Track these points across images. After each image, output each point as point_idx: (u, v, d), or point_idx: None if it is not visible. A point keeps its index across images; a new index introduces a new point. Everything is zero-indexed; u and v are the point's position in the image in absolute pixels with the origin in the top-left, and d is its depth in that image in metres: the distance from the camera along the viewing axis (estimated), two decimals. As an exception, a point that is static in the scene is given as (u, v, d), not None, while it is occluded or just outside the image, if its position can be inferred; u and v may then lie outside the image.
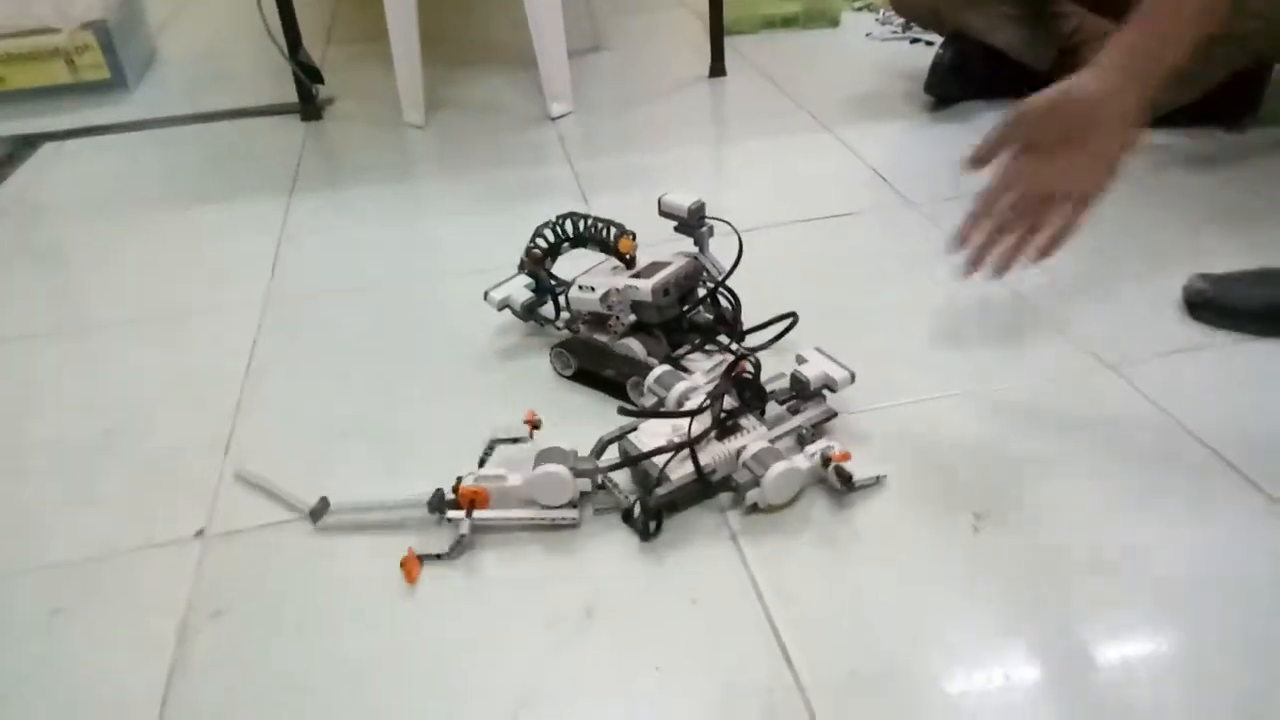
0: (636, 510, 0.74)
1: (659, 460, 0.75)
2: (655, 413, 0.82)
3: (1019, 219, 0.78)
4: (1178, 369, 0.90)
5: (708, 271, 0.95)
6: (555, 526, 0.76)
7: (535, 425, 0.82)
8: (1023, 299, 1.03)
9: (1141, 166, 1.33)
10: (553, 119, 1.66)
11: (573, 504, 0.76)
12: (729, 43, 1.84)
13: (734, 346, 0.95)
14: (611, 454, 0.80)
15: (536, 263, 0.99)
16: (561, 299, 1.00)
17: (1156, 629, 0.65)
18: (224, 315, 1.12)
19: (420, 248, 1.27)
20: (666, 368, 0.86)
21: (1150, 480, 0.78)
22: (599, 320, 0.93)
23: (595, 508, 0.77)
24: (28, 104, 1.88)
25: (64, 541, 0.79)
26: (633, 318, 0.91)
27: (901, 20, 1.98)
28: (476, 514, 0.74)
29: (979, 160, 0.78)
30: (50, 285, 1.26)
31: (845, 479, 0.75)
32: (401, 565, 0.72)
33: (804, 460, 0.76)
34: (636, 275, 0.91)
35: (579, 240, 0.99)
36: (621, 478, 0.79)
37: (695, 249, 0.96)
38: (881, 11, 2.07)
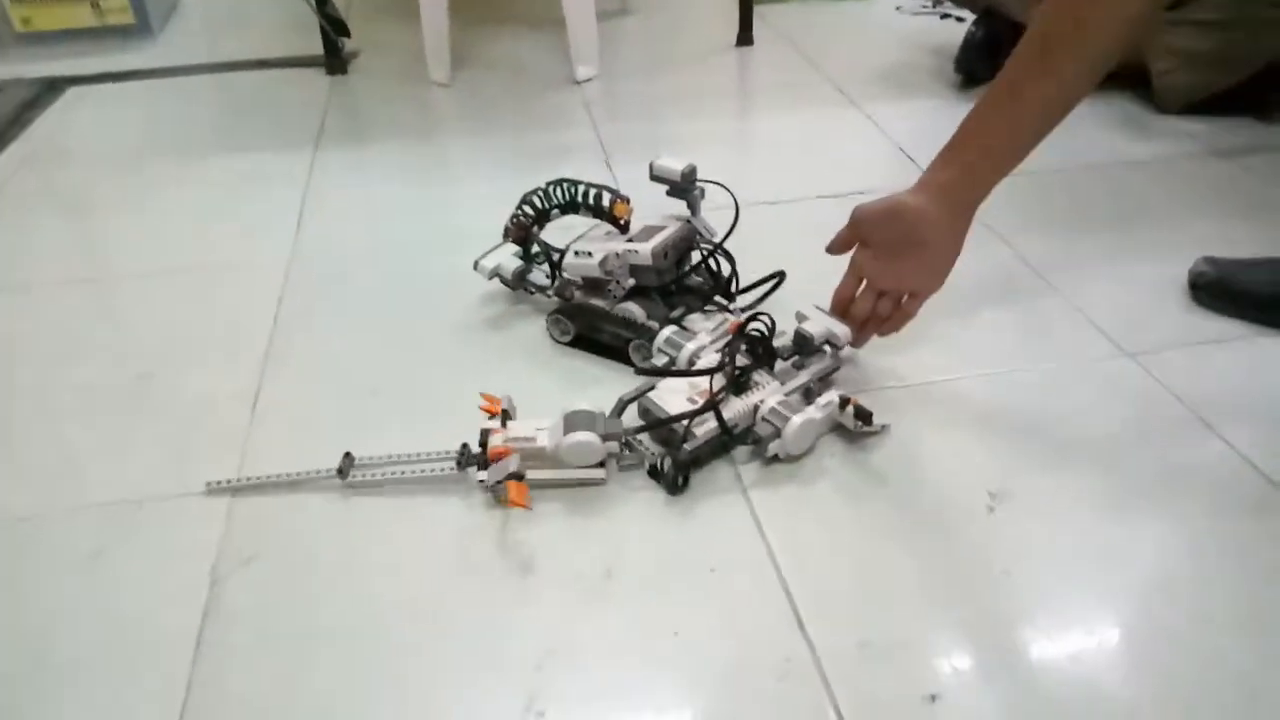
0: (666, 466, 0.77)
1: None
2: (675, 372, 0.84)
3: (868, 304, 0.87)
4: (1196, 359, 0.91)
5: (700, 235, 0.96)
6: (582, 484, 0.78)
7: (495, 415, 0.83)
8: (1042, 279, 1.04)
9: (1166, 153, 1.33)
10: (578, 82, 1.66)
11: (600, 464, 0.78)
12: (757, 11, 1.82)
13: (731, 306, 0.96)
14: (631, 413, 0.82)
15: (523, 230, 1.00)
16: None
17: (1165, 615, 0.67)
18: (251, 269, 1.13)
19: (443, 209, 1.27)
20: (674, 328, 0.88)
21: (1165, 469, 0.79)
22: (595, 285, 0.93)
23: (621, 464, 0.80)
24: (53, 46, 1.88)
25: (100, 485, 0.81)
26: (631, 281, 0.92)
27: (932, -6, 1.96)
28: (503, 461, 0.75)
29: (831, 251, 0.87)
30: (78, 233, 1.27)
31: (864, 416, 0.79)
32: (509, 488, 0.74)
33: (817, 411, 0.79)
34: (632, 239, 0.92)
35: (571, 206, 0.99)
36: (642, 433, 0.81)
37: (688, 212, 0.96)
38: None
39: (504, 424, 0.80)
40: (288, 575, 0.72)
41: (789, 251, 0.98)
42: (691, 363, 0.84)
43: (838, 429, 0.83)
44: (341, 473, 0.79)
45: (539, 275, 1.01)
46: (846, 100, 1.55)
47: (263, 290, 1.08)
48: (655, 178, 0.94)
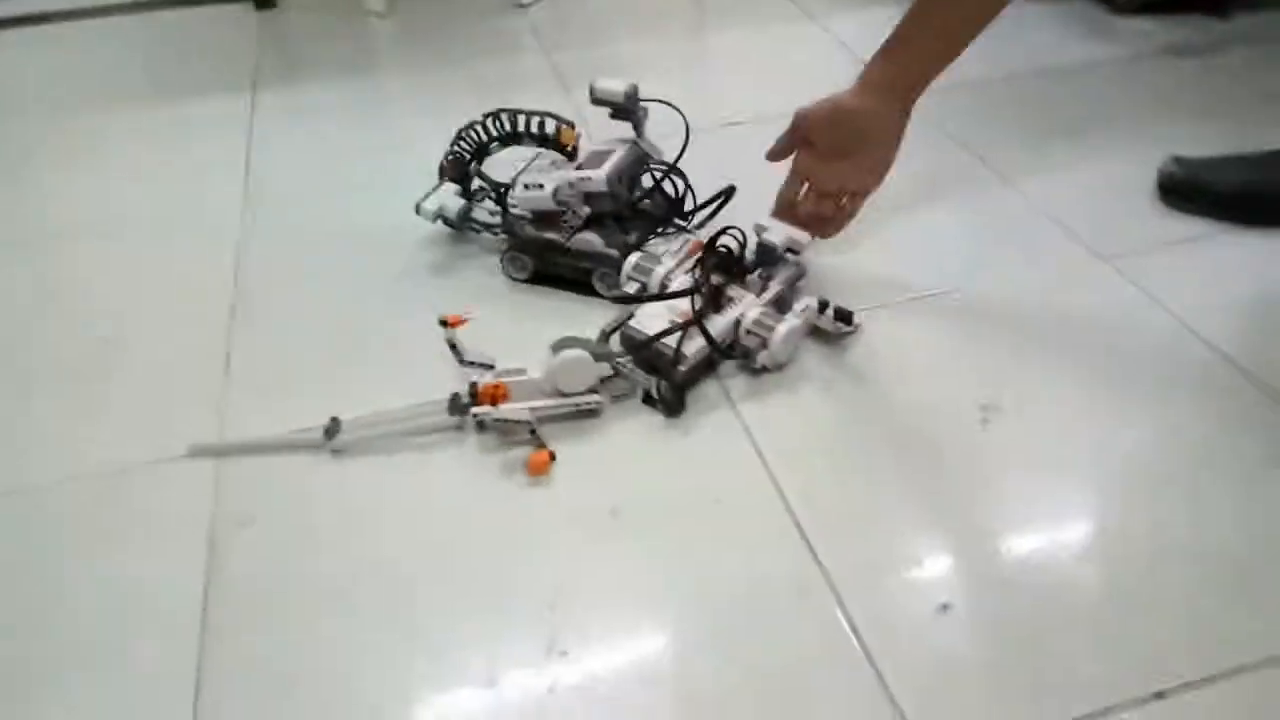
0: (662, 390, 0.77)
1: (671, 340, 0.77)
2: (653, 296, 0.83)
3: (811, 205, 0.88)
4: (1170, 260, 0.92)
5: (649, 156, 0.93)
6: (579, 414, 0.77)
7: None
8: (1011, 185, 1.04)
9: (1126, 54, 1.33)
10: (523, 5, 1.59)
11: (594, 389, 0.77)
12: (703, -77, 1.76)
13: (689, 227, 0.95)
14: (615, 341, 0.82)
15: (458, 167, 0.95)
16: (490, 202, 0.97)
17: (1161, 511, 0.69)
18: (204, 220, 1.08)
19: (393, 148, 1.22)
20: (640, 254, 0.86)
21: (1146, 371, 0.81)
22: (547, 218, 0.90)
23: (613, 394, 0.79)
24: (-48, -8, 1.74)
25: (79, 455, 0.78)
26: (587, 210, 0.89)
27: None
28: (503, 407, 0.74)
29: (772, 157, 0.87)
30: (20, 190, 1.19)
31: (845, 317, 0.82)
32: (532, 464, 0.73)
33: (796, 317, 0.81)
34: (581, 166, 0.89)
35: (512, 137, 0.95)
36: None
37: (633, 134, 0.92)
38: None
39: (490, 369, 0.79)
40: (289, 536, 0.71)
41: (749, 169, 0.96)
42: (664, 286, 0.83)
43: (813, 333, 0.84)
44: (329, 434, 0.77)
45: (484, 213, 0.97)
46: (803, 14, 1.52)
47: (219, 243, 1.03)
48: (597, 100, 0.90)
